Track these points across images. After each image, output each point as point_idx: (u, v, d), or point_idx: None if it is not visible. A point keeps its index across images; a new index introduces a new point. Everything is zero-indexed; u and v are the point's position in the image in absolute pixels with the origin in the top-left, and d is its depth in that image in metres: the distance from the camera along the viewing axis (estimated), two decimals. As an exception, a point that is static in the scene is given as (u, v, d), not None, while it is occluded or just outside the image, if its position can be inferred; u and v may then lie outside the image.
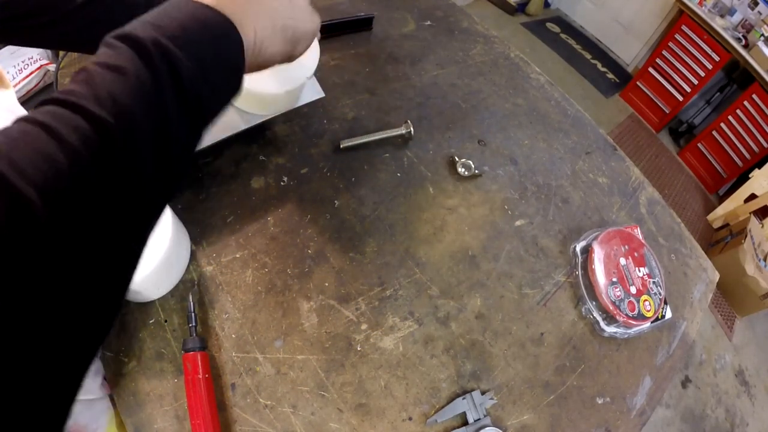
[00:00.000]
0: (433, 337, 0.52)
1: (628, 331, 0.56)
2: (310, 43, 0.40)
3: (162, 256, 0.44)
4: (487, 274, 0.58)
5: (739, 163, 2.38)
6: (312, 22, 0.39)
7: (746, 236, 1.98)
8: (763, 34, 2.19)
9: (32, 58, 0.97)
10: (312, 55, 0.56)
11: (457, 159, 0.67)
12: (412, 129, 0.66)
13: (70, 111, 0.21)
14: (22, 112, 0.47)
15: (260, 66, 0.35)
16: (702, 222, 2.40)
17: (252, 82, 0.50)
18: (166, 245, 0.45)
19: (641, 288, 0.59)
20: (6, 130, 0.20)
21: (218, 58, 0.28)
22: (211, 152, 0.59)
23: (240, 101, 0.57)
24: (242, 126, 0.57)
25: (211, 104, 0.29)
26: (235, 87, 0.31)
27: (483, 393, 0.49)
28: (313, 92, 0.62)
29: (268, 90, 0.54)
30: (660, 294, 0.60)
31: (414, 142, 0.68)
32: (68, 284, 0.20)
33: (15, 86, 0.94)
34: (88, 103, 0.21)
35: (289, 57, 0.38)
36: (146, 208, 0.25)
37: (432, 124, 0.72)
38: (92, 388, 0.45)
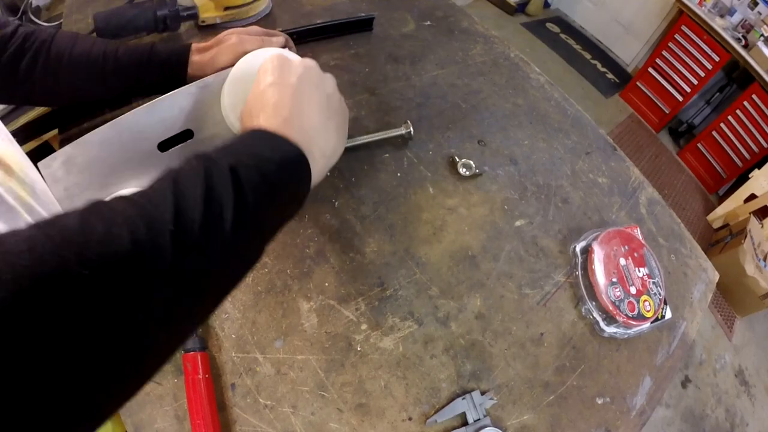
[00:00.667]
0: (433, 337, 0.52)
1: (628, 331, 0.56)
2: None
3: None
4: (487, 274, 0.58)
5: (739, 163, 2.38)
6: (343, 146, 0.44)
7: (746, 236, 1.98)
8: (762, 34, 2.19)
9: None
10: None
11: (457, 159, 0.67)
12: (412, 129, 0.66)
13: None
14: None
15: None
16: (702, 222, 2.40)
17: None
18: None
19: (641, 288, 0.59)
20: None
21: (285, 175, 0.33)
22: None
23: None
24: None
25: (272, 217, 0.32)
26: (297, 207, 0.36)
27: (483, 393, 0.49)
28: None
29: None
30: (660, 294, 0.60)
31: (414, 142, 0.68)
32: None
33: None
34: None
35: None
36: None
37: (432, 124, 0.72)
38: None
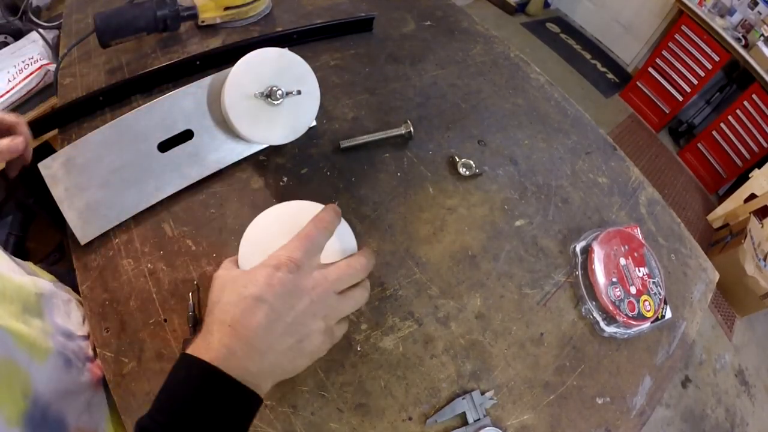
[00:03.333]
0: (433, 337, 0.52)
1: (628, 331, 0.56)
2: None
3: None
4: (487, 274, 0.58)
5: (739, 163, 2.39)
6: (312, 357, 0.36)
7: (746, 236, 1.98)
8: (762, 34, 2.20)
9: (32, 57, 0.97)
10: (312, 106, 0.59)
11: (457, 159, 0.67)
12: (412, 129, 0.66)
13: None
14: None
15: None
16: (702, 222, 2.40)
17: (256, 135, 0.56)
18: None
19: (641, 288, 0.59)
20: None
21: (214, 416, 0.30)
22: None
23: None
24: (245, 153, 0.61)
25: None
26: None
27: (483, 393, 0.49)
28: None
29: (273, 141, 0.59)
30: (660, 294, 0.60)
31: (414, 142, 0.68)
32: None
33: (15, 86, 0.94)
34: None
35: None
36: None
37: (432, 124, 0.72)
38: (80, 384, 0.44)
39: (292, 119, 0.57)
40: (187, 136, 0.56)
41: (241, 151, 0.60)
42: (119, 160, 0.52)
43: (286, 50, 0.56)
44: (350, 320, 0.51)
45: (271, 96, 0.54)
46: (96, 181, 0.52)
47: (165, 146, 0.55)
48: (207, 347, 0.31)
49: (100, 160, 0.52)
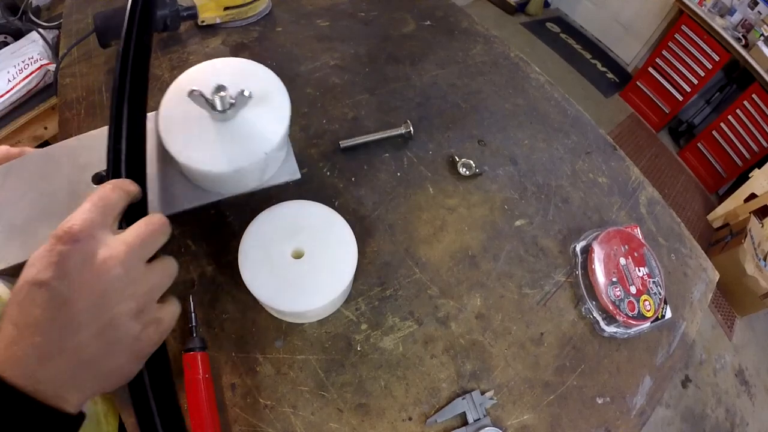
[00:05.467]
0: (433, 337, 0.52)
1: (628, 331, 0.56)
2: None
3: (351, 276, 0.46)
4: (487, 274, 0.58)
5: (739, 162, 2.39)
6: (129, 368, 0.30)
7: (746, 236, 1.98)
8: (762, 34, 2.19)
9: (32, 58, 0.97)
10: (275, 127, 0.44)
11: (457, 159, 0.67)
12: (412, 129, 0.66)
13: None
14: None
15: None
16: (702, 222, 2.40)
17: (190, 157, 0.41)
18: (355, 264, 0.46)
19: (641, 288, 0.59)
20: None
21: None
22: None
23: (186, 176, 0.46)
24: (186, 205, 0.45)
25: None
26: None
27: (483, 393, 0.49)
28: (286, 172, 0.48)
29: (210, 168, 0.41)
30: (660, 294, 0.60)
31: (414, 142, 0.68)
32: None
33: (15, 86, 0.94)
34: None
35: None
36: None
37: (432, 124, 0.71)
38: None
39: (247, 140, 0.42)
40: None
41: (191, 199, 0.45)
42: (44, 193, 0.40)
43: (249, 61, 0.46)
44: (350, 320, 0.51)
45: (217, 102, 0.40)
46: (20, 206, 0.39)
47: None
48: None
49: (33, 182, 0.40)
